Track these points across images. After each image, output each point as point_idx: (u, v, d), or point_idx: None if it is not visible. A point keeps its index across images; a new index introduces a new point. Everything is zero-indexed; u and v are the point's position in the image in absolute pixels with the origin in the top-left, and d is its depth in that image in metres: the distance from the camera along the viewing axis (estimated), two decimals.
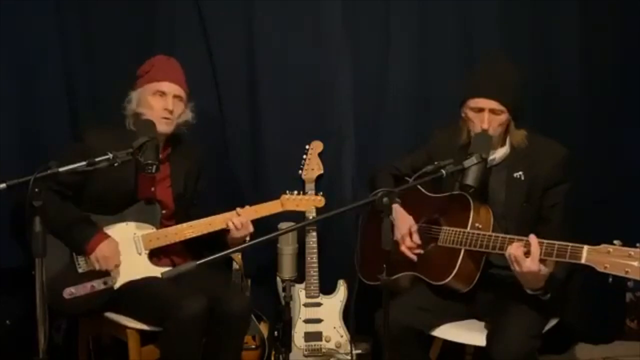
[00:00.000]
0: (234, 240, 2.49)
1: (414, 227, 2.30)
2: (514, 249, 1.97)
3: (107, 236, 2.35)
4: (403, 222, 2.31)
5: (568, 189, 2.21)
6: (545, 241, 1.93)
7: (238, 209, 2.51)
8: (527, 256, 1.94)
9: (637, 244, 1.75)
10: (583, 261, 1.82)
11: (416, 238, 2.30)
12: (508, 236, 2.04)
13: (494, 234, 2.11)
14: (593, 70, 2.98)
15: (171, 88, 2.42)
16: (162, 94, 2.41)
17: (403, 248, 2.29)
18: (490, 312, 2.23)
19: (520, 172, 2.21)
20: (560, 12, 2.94)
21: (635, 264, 1.72)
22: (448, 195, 2.30)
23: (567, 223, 2.18)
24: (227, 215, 2.50)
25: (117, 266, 2.35)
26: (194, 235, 2.47)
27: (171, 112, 2.41)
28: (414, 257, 2.28)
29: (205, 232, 2.47)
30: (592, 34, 2.95)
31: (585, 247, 1.83)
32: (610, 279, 1.77)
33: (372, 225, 2.45)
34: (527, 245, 1.95)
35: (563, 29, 2.95)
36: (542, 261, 1.94)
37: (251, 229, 2.49)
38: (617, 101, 3.01)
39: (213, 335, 2.36)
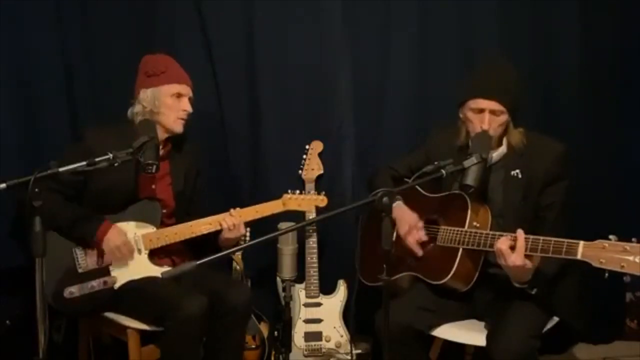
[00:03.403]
0: (227, 242, 2.49)
1: (420, 224, 2.30)
2: (500, 243, 1.99)
3: (111, 225, 2.36)
4: (409, 217, 2.31)
5: (567, 186, 2.21)
6: (532, 237, 1.95)
7: (232, 210, 2.51)
8: (514, 251, 1.95)
9: (633, 239, 1.75)
10: (579, 257, 1.83)
11: (422, 234, 2.30)
12: (505, 234, 2.04)
13: (490, 232, 2.11)
14: (593, 70, 2.98)
15: (187, 90, 2.49)
16: (180, 95, 2.46)
17: (410, 240, 2.28)
18: (490, 312, 2.23)
19: (518, 171, 2.22)
20: (560, 12, 2.94)
21: (631, 258, 1.72)
22: (446, 195, 2.31)
23: (563, 222, 2.18)
24: (226, 214, 2.50)
25: (131, 252, 2.36)
26: (194, 235, 2.47)
27: (188, 113, 2.47)
28: (420, 251, 2.28)
29: (204, 232, 2.47)
30: (592, 33, 2.96)
31: (581, 243, 1.84)
32: (607, 274, 1.77)
33: (372, 225, 2.44)
34: (515, 239, 1.97)
35: (563, 29, 2.95)
36: (528, 257, 1.95)
37: (243, 230, 2.49)
38: (617, 101, 3.02)
39: (214, 329, 2.36)
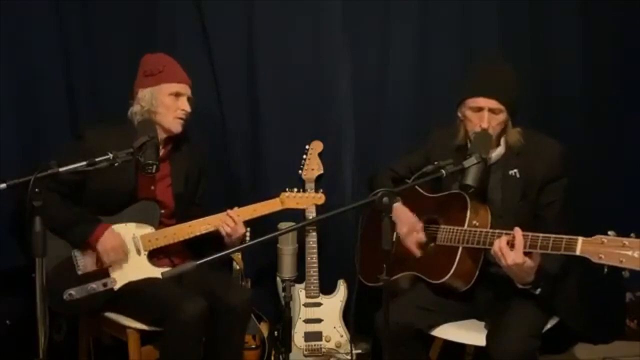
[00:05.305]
0: (230, 244, 2.48)
1: (419, 225, 2.30)
2: (498, 243, 1.98)
3: (107, 226, 2.35)
4: (408, 218, 2.31)
5: (565, 185, 2.21)
6: (530, 233, 1.94)
7: (229, 211, 2.49)
8: (512, 248, 1.95)
9: (631, 234, 1.75)
10: (578, 252, 1.83)
11: (421, 235, 2.30)
12: (504, 232, 2.04)
13: (490, 230, 2.11)
14: (593, 70, 2.98)
15: (186, 90, 2.48)
16: (178, 95, 2.45)
17: (409, 242, 2.28)
18: (490, 311, 2.23)
19: (515, 170, 2.22)
20: (560, 12, 2.95)
21: (630, 253, 1.72)
22: (446, 194, 2.31)
23: (564, 221, 2.17)
24: (224, 215, 2.49)
25: (126, 254, 2.36)
26: (192, 235, 2.46)
27: (187, 113, 2.46)
28: (419, 253, 2.27)
29: (203, 232, 2.47)
30: (592, 34, 2.96)
31: (580, 239, 1.84)
32: (605, 270, 1.77)
33: (372, 225, 2.44)
34: (513, 237, 1.96)
35: (563, 29, 2.96)
36: (528, 254, 1.95)
37: (243, 229, 2.48)
38: (617, 101, 3.02)
39: (214, 331, 2.35)
